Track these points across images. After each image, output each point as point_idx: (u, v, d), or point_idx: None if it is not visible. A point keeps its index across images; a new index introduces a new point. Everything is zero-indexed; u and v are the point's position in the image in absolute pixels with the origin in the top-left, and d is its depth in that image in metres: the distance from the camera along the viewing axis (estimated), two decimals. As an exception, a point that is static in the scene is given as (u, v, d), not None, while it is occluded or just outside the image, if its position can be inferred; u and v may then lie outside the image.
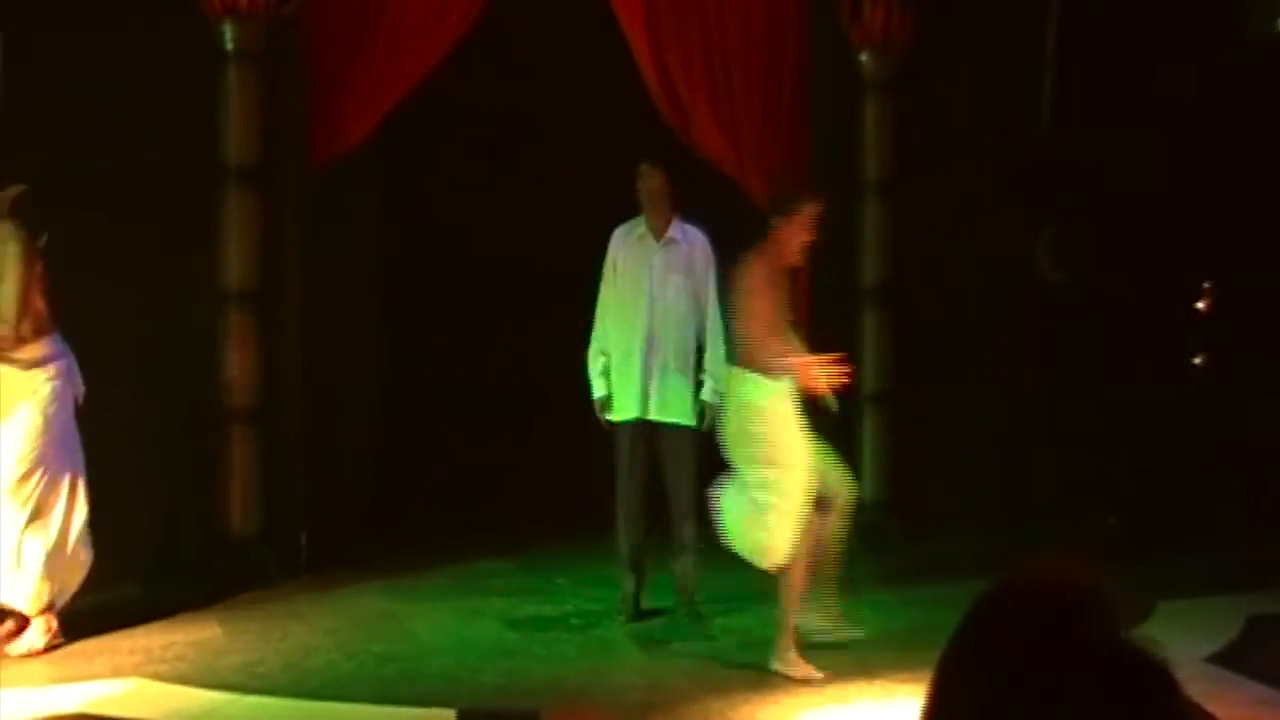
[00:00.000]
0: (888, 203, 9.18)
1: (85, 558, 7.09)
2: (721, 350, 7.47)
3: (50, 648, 6.99)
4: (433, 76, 8.74)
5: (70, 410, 7.05)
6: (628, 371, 7.60)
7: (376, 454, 9.82)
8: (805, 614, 6.96)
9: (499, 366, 9.90)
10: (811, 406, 6.79)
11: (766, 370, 6.66)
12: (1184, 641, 6.57)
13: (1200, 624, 7.28)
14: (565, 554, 8.92)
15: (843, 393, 6.79)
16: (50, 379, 6.97)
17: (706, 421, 7.49)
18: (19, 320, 6.90)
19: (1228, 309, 9.98)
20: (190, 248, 8.26)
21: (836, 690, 6.58)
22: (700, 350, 7.61)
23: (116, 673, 6.74)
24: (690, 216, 7.73)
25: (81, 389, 7.08)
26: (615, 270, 7.69)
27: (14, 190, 6.94)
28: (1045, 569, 1.61)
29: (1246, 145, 9.46)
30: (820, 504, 6.80)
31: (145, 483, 8.11)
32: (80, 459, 7.09)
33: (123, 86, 7.99)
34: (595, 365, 7.68)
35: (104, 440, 7.30)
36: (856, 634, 7.17)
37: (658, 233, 7.66)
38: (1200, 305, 10.09)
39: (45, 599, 6.99)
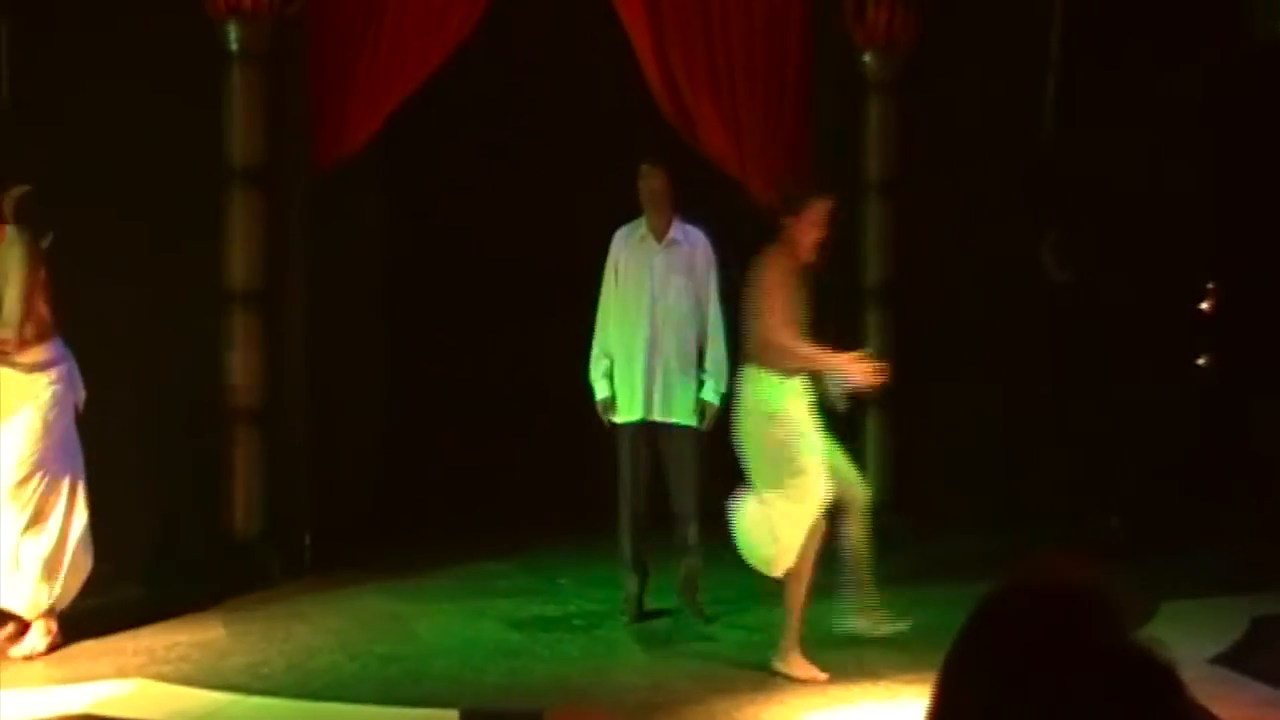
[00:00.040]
0: (891, 203, 9.17)
1: (85, 562, 7.07)
2: (723, 350, 7.47)
3: (51, 649, 6.99)
4: (436, 77, 8.75)
5: (71, 415, 7.04)
6: (630, 373, 7.60)
7: (380, 454, 9.80)
8: (849, 618, 7.05)
9: (502, 367, 9.89)
10: (822, 406, 6.79)
11: (782, 368, 6.64)
12: (1188, 643, 6.55)
13: (1204, 625, 7.26)
14: (568, 554, 8.91)
15: (879, 391, 6.79)
16: (52, 383, 6.96)
17: (707, 421, 7.50)
18: (22, 324, 6.89)
19: (1232, 310, 9.97)
20: (194, 248, 8.26)
21: (840, 691, 6.57)
22: (702, 351, 7.61)
23: (120, 673, 6.74)
24: (691, 217, 7.73)
25: (82, 394, 7.07)
26: (617, 272, 7.69)
27: (18, 191, 6.93)
28: (1050, 570, 1.61)
29: (1249, 146, 9.46)
30: (837, 507, 6.80)
31: (148, 483, 8.12)
32: (80, 464, 7.07)
33: (127, 87, 8.00)
34: (598, 367, 7.68)
35: (107, 440, 7.30)
36: (901, 626, 7.11)
37: (659, 234, 7.65)
38: (1204, 306, 10.09)
39: (44, 603, 6.98)
